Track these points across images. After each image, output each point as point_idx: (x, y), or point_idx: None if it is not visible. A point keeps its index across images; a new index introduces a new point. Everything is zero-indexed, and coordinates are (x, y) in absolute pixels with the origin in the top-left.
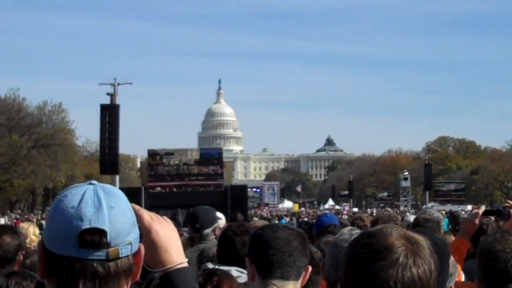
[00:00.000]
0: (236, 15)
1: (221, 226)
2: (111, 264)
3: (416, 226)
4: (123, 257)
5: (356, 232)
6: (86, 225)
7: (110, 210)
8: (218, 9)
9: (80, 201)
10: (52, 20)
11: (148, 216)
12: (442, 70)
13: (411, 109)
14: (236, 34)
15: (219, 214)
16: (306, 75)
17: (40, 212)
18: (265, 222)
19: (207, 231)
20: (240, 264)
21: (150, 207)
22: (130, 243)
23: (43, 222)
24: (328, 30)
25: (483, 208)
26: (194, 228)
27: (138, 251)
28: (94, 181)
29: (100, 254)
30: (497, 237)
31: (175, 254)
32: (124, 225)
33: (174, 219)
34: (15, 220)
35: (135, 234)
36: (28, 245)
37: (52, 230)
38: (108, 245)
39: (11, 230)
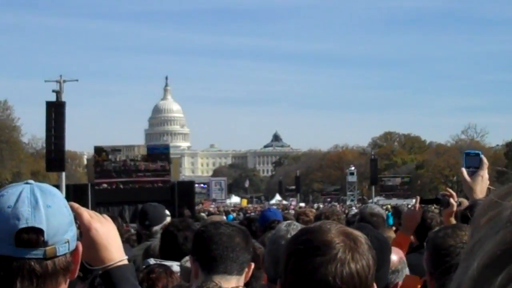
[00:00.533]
0: (183, 12)
1: None
2: (49, 262)
3: (361, 220)
4: (60, 255)
5: (294, 227)
6: (23, 224)
7: (47, 209)
8: (165, 6)
9: (17, 200)
10: None
11: (88, 214)
12: (388, 66)
13: (357, 105)
14: (183, 30)
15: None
16: (253, 71)
17: None
18: (222, 218)
19: (156, 228)
20: (182, 258)
21: (97, 204)
22: (68, 242)
23: None
24: (274, 26)
25: (418, 198)
26: (144, 225)
27: (76, 249)
28: (30, 181)
29: (38, 253)
30: (448, 232)
31: (115, 251)
32: (61, 223)
33: (121, 215)
34: None
35: (72, 233)
36: None
37: None
38: (45, 243)
39: None
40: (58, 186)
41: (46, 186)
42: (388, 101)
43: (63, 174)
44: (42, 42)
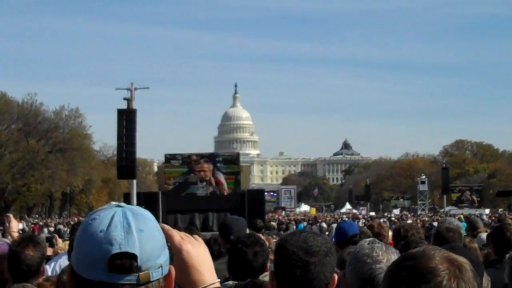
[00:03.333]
0: (252, 19)
1: None
2: None
3: (438, 236)
4: (154, 280)
5: (378, 245)
6: (116, 250)
7: (140, 234)
8: (234, 13)
9: (109, 224)
10: (70, 26)
11: (179, 236)
12: (460, 73)
13: (428, 113)
14: (252, 38)
15: None
16: (322, 78)
17: (57, 216)
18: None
19: None
20: (252, 276)
21: (168, 212)
22: (161, 266)
23: (61, 226)
24: (344, 33)
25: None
26: (227, 239)
27: (169, 273)
28: (122, 203)
29: (131, 279)
30: None
31: (207, 274)
32: (154, 248)
33: (191, 223)
34: (33, 225)
35: (165, 257)
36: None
37: (81, 254)
38: (139, 269)
39: (33, 241)
40: (129, 194)
41: (138, 209)
42: (459, 109)
43: (134, 181)
44: (114, 50)
